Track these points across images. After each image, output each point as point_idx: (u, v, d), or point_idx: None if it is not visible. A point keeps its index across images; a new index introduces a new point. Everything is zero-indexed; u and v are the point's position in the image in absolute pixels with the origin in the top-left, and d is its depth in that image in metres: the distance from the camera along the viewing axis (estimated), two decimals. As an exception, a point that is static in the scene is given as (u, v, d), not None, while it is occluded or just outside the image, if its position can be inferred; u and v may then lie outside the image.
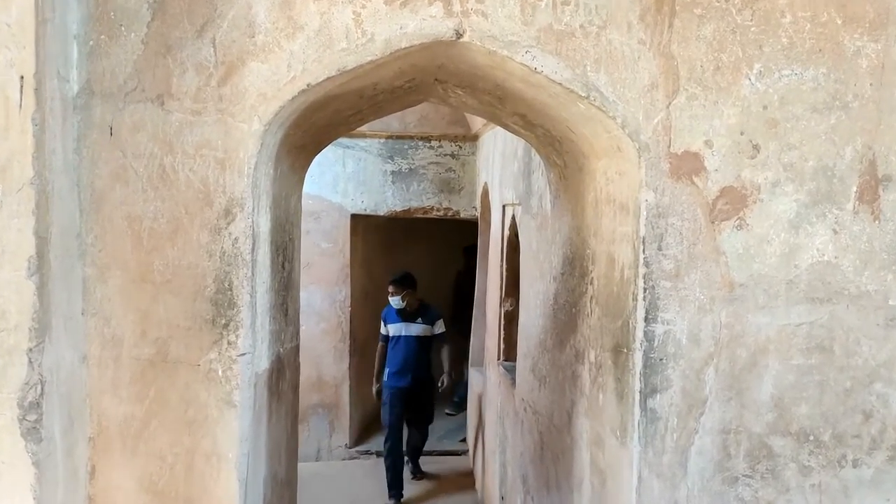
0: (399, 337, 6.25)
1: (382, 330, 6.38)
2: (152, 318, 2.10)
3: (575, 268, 2.99)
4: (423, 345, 6.29)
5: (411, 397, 6.25)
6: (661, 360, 2.21)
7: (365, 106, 2.91)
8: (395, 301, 6.21)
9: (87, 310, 2.08)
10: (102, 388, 2.11)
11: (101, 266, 2.09)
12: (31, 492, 1.82)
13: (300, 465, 5.20)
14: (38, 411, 1.85)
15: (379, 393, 6.38)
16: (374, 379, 6.49)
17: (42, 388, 1.86)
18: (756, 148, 2.18)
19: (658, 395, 2.22)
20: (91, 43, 2.05)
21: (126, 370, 2.11)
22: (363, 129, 6.57)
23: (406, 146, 7.25)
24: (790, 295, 2.21)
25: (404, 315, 6.27)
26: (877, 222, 2.20)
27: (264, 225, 2.34)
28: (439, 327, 6.38)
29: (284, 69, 2.09)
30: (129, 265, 2.10)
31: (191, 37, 2.06)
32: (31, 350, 1.84)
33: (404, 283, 6.25)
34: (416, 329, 6.26)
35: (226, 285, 2.10)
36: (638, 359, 2.23)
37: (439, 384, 6.42)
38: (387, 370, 6.31)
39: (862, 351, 2.23)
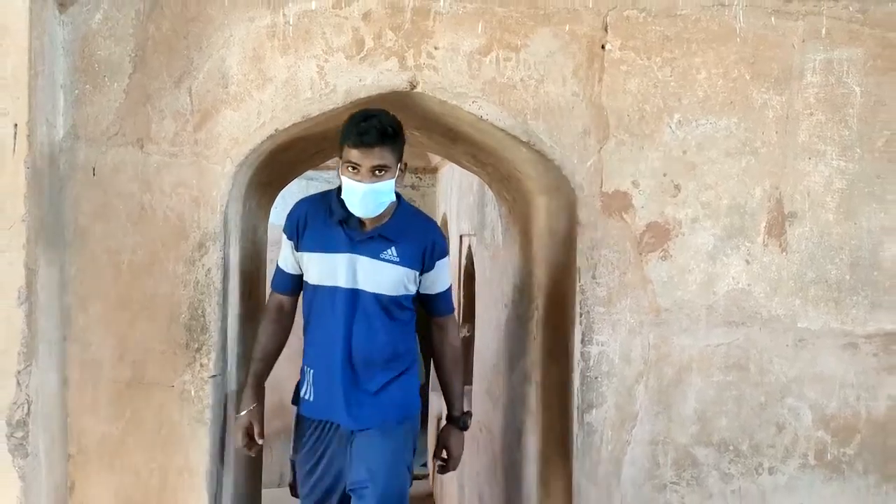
0: (335, 289, 2.37)
1: (287, 264, 2.47)
2: (130, 343, 2.28)
3: (523, 295, 3.23)
4: (391, 314, 2.42)
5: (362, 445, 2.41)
6: (596, 378, 2.44)
7: (328, 145, 3.12)
8: (361, 190, 2.26)
9: (68, 336, 2.25)
10: (82, 408, 2.27)
11: (82, 296, 2.27)
12: (18, 503, 1.98)
13: (263, 492, 5.29)
14: (25, 429, 2.01)
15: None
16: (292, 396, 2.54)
17: (29, 408, 2.03)
18: (677, 188, 2.44)
19: (594, 410, 2.44)
20: (76, 92, 2.25)
21: (104, 392, 2.28)
22: (327, 162, 6.80)
23: (368, 178, 7.47)
24: (710, 319, 2.46)
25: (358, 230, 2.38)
26: (784, 254, 2.47)
27: (234, 257, 2.53)
28: (440, 280, 2.49)
29: (255, 116, 2.31)
30: (109, 295, 2.27)
31: (169, 87, 2.27)
32: (19, 373, 2.01)
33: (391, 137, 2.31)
34: (389, 274, 2.38)
35: (199, 312, 2.29)
36: (576, 377, 2.46)
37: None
38: (308, 372, 2.49)
39: (774, 369, 2.48)
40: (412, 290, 2.42)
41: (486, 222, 4.29)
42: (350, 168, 2.25)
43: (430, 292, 2.49)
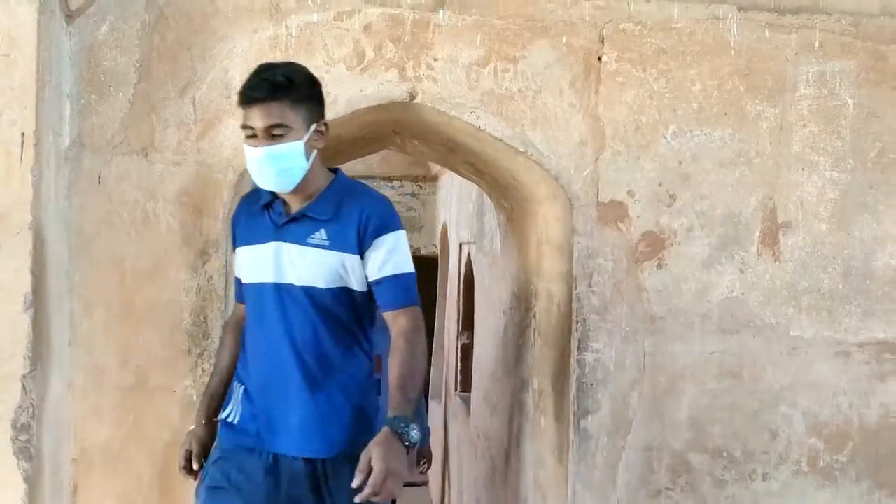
0: (262, 287, 1.97)
1: (237, 269, 2.10)
2: (133, 349, 2.31)
3: (521, 303, 3.27)
4: (331, 314, 1.94)
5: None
6: (591, 385, 2.48)
7: (329, 153, 3.16)
8: (257, 156, 1.87)
9: (73, 341, 2.29)
10: (86, 413, 2.30)
11: (87, 302, 2.30)
12: (23, 505, 2.02)
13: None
14: (30, 432, 2.05)
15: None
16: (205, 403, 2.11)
17: (34, 412, 2.06)
18: (672, 198, 2.48)
19: (590, 417, 2.48)
20: (82, 101, 2.29)
21: (108, 396, 2.31)
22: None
23: (370, 185, 7.51)
24: (704, 327, 2.49)
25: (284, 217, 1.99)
26: (777, 263, 2.51)
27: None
28: (385, 262, 1.94)
29: (257, 126, 2.34)
30: (113, 301, 2.31)
31: (173, 97, 2.32)
32: (24, 377, 2.05)
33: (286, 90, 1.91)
34: (318, 262, 1.92)
35: (201, 318, 2.33)
36: (572, 384, 2.50)
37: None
38: (237, 389, 2.01)
39: (767, 376, 2.51)
40: (354, 282, 1.92)
41: (486, 230, 4.34)
42: (248, 135, 1.86)
43: (372, 277, 1.92)
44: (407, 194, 7.59)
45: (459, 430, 5.26)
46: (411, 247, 7.43)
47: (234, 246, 2.07)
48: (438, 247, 7.28)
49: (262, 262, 1.94)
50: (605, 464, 2.48)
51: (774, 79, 2.50)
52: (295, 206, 1.95)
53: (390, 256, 1.93)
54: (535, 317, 3.00)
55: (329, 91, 2.36)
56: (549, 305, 2.76)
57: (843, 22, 2.50)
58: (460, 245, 5.64)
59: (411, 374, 1.88)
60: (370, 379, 2.01)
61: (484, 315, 4.35)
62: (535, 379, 2.95)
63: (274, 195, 1.96)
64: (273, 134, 1.84)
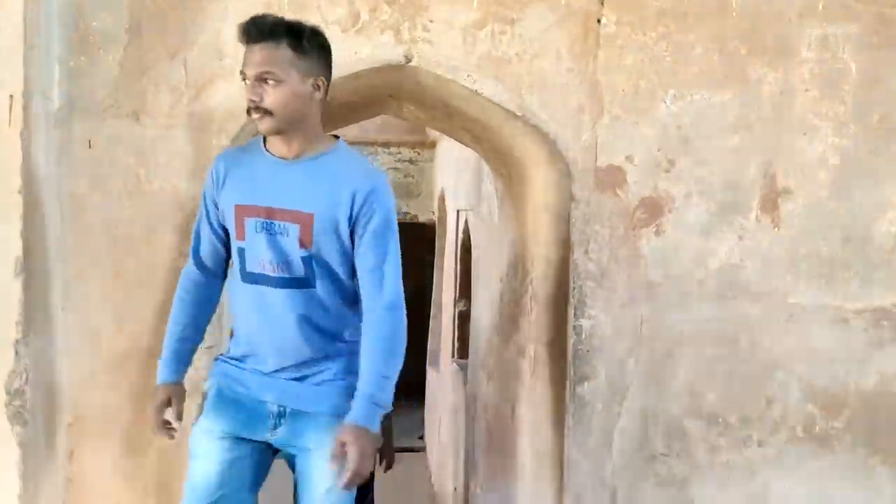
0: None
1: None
2: (127, 313, 2.30)
3: (518, 270, 3.25)
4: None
5: None
6: (588, 351, 2.47)
7: (324, 119, 3.13)
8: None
9: (66, 306, 2.27)
10: (80, 378, 2.29)
11: (79, 267, 2.28)
12: (17, 469, 2.03)
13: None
14: (24, 397, 2.05)
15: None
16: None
17: (27, 377, 2.06)
18: (671, 163, 2.46)
19: (586, 383, 2.48)
20: (72, 64, 2.25)
21: (102, 361, 2.30)
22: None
23: (366, 152, 7.47)
24: (702, 293, 2.48)
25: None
26: (776, 230, 2.49)
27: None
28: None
29: (249, 89, 2.30)
30: (106, 266, 2.29)
31: (164, 60, 2.27)
32: (17, 342, 2.04)
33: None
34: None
35: (195, 284, 2.31)
36: (568, 351, 2.49)
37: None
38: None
39: (764, 343, 2.50)
40: None
41: (483, 197, 4.31)
42: None
43: None
44: (404, 161, 7.54)
45: (456, 397, 5.29)
46: (408, 213, 7.36)
47: None
48: (436, 214, 7.25)
49: None
50: (600, 430, 2.48)
51: (777, 42, 2.45)
52: None
53: None
54: (531, 283, 2.98)
55: (323, 53, 2.33)
56: (546, 272, 2.75)
57: (848, -16, 2.45)
58: (458, 212, 5.61)
59: None
60: None
61: (481, 282, 4.34)
62: (532, 346, 2.95)
63: None
64: None
